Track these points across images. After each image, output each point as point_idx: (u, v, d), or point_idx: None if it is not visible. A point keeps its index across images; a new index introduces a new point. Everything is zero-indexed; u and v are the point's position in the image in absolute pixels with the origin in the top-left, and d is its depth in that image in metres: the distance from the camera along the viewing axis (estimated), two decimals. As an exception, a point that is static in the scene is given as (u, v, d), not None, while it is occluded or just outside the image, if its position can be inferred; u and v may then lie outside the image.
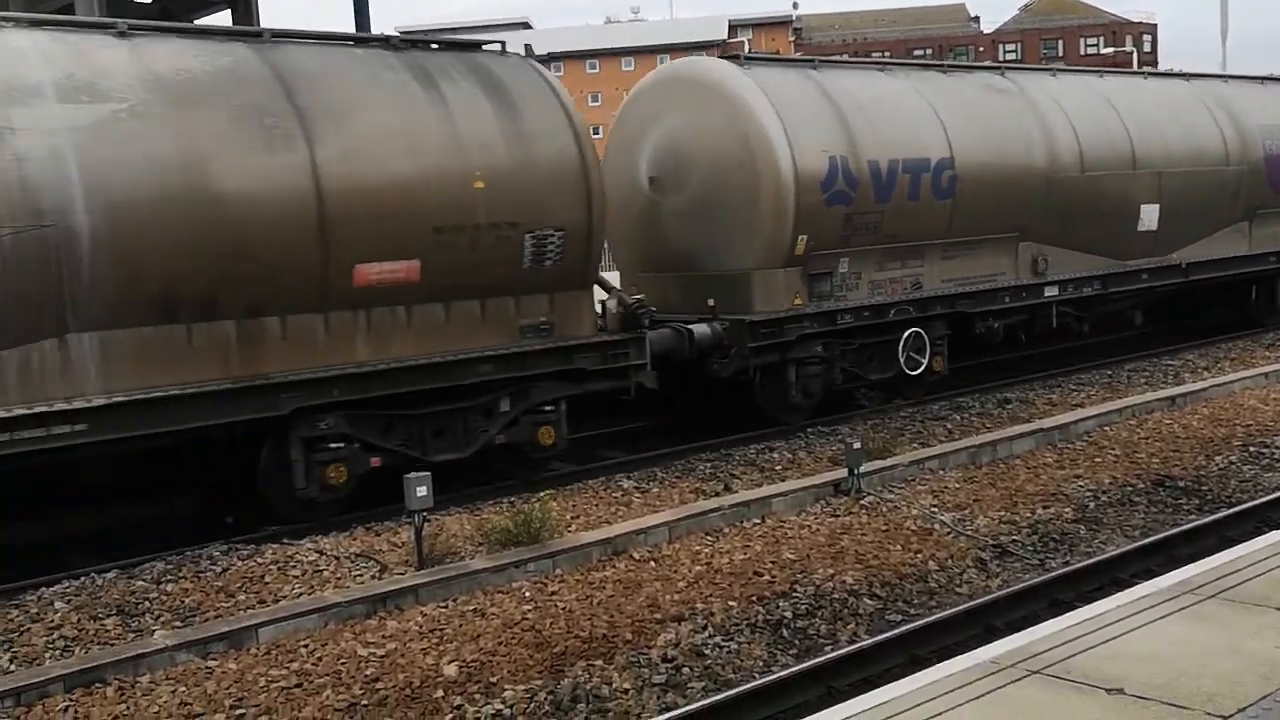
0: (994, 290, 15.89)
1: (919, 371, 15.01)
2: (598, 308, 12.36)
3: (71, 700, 7.35)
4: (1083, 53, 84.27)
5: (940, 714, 5.07)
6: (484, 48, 12.24)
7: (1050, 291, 16.62)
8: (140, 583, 9.16)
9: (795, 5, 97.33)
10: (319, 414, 10.26)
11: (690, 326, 13.22)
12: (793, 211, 13.64)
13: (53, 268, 9.05)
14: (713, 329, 13.32)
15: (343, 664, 7.81)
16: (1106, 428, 13.96)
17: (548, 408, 11.68)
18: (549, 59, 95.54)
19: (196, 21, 17.12)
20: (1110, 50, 71.05)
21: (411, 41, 11.80)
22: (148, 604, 8.78)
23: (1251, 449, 13.03)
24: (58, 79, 9.40)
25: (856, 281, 14.56)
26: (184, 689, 7.48)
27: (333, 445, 10.39)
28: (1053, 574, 9.33)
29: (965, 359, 16.46)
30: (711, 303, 13.56)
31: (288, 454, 10.26)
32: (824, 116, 14.25)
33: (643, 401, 13.08)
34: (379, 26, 18.13)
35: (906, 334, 14.81)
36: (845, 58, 17.71)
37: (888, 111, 14.95)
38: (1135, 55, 63.98)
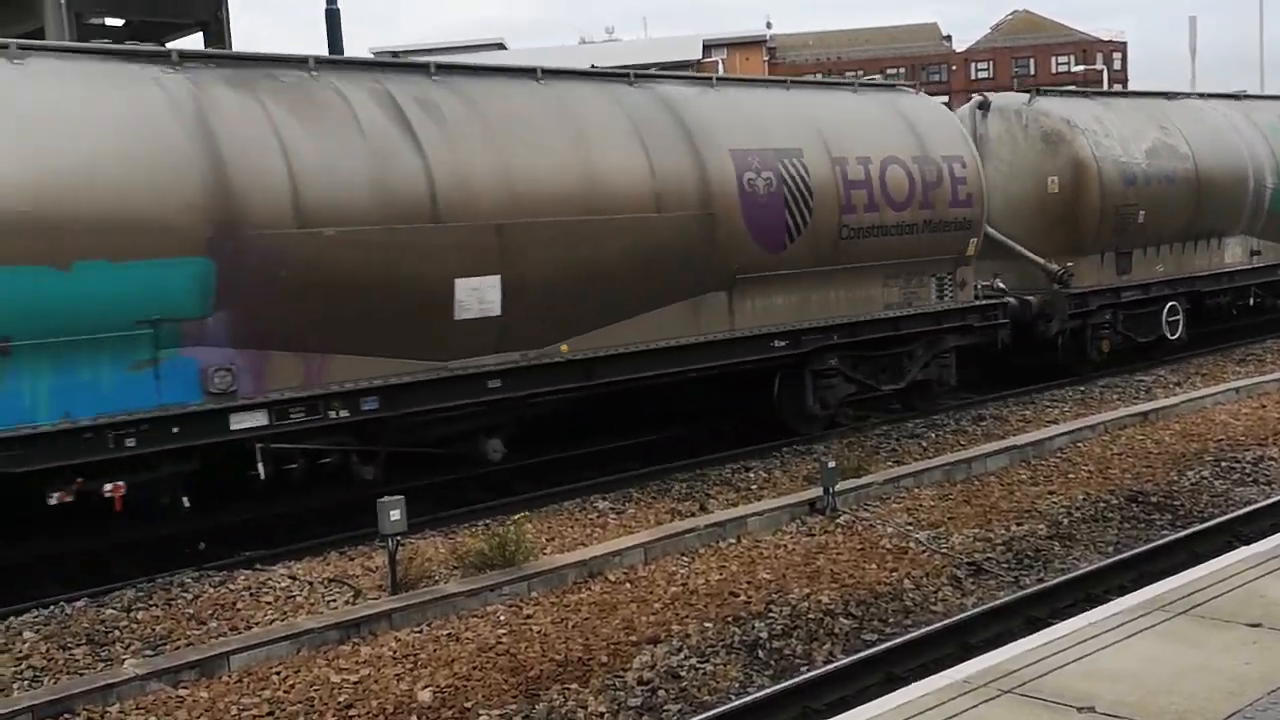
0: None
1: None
2: None
3: (40, 731, 7.26)
4: (1054, 71, 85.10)
5: (913, 735, 5.07)
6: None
7: None
8: (110, 611, 9.07)
9: (769, 25, 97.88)
10: None
11: None
12: None
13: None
14: None
15: (315, 691, 7.75)
16: (1079, 444, 14.03)
17: None
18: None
19: (169, 44, 17.08)
20: (1081, 68, 71.83)
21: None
22: (118, 633, 8.70)
23: (1223, 464, 13.12)
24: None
25: None
26: (154, 719, 7.41)
27: None
28: (1027, 591, 9.35)
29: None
30: None
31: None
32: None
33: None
34: (352, 48, 18.12)
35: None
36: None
37: None
38: (1105, 73, 64.64)
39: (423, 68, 11.78)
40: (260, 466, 10.19)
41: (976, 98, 18.69)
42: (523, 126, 11.69)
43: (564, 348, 11.87)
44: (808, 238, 13.66)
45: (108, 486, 9.48)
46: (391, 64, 12.70)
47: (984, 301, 16.00)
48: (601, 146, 12.16)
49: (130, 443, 9.46)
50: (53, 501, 9.31)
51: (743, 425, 14.54)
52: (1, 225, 8.81)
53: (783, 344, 13.62)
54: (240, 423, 9.97)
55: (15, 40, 9.52)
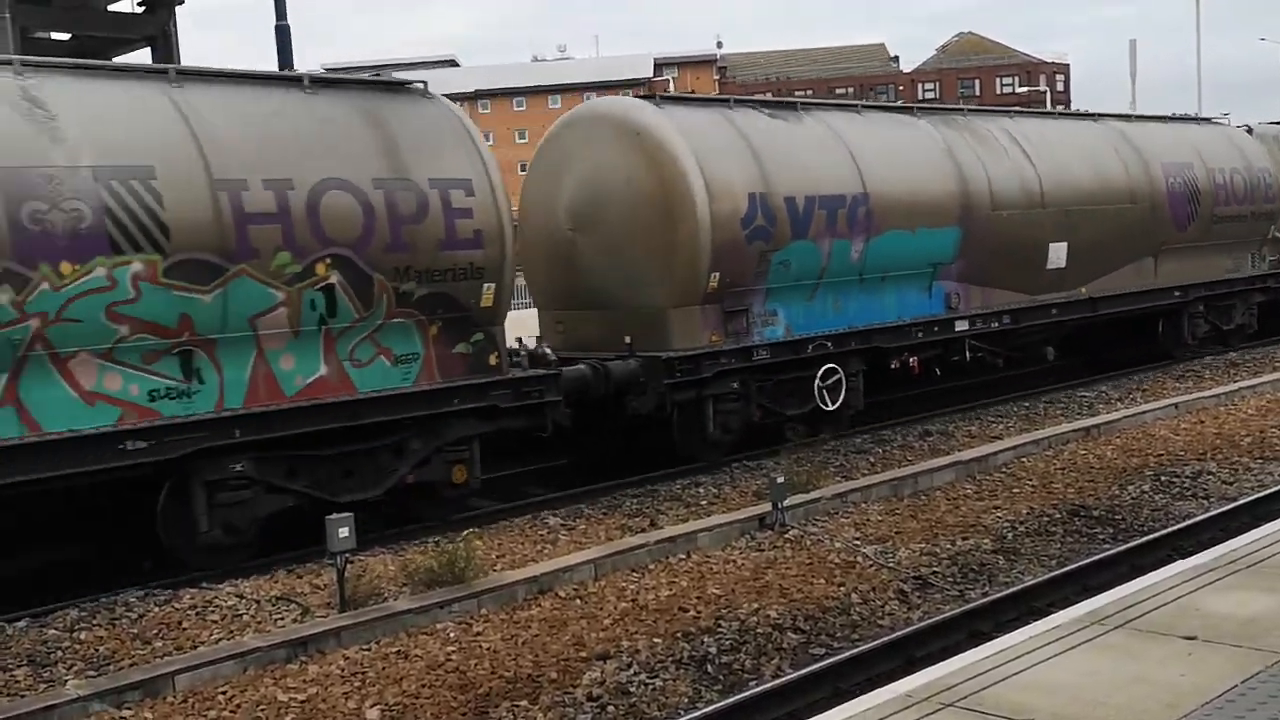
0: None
1: None
2: None
3: (-21, 754, 7.15)
4: (999, 91, 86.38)
5: (858, 748, 5.13)
6: None
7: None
8: (52, 631, 8.95)
9: (719, 45, 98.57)
10: None
11: None
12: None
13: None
14: None
15: (262, 710, 7.69)
16: (1024, 459, 14.24)
17: None
18: (476, 96, 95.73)
19: (115, 59, 16.89)
20: (1025, 90, 72.94)
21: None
22: (60, 653, 8.58)
23: (1163, 478, 13.36)
24: None
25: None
26: (97, 740, 7.32)
27: None
28: (971, 605, 9.48)
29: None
30: None
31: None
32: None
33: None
34: (302, 65, 18.07)
35: None
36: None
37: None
38: (1049, 94, 65.73)
39: (1006, 113, 19.70)
40: (966, 354, 17.01)
41: (1242, 125, 24.94)
42: (1065, 146, 19.05)
43: (1083, 290, 18.85)
44: (1197, 222, 20.99)
45: (912, 360, 16.22)
46: (993, 110, 20.39)
47: (1275, 270, 22.97)
48: (1101, 159, 19.59)
49: (920, 334, 16.25)
50: (892, 367, 16.07)
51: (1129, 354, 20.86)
52: (891, 210, 15.67)
53: (1178, 294, 20.61)
54: (959, 326, 16.83)
55: (862, 103, 17.63)
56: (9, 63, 9.82)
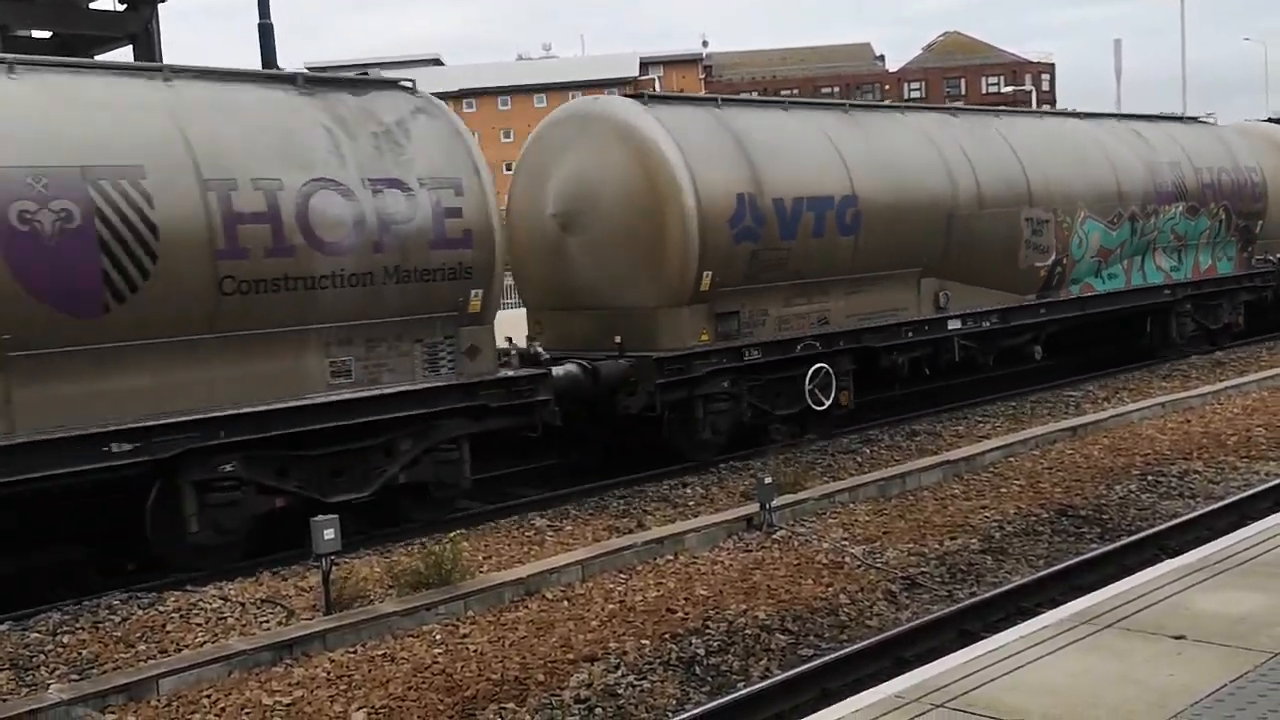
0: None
1: None
2: None
3: (-40, 760, 7.08)
4: (984, 91, 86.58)
5: (847, 750, 5.10)
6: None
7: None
8: (35, 635, 8.87)
9: (705, 44, 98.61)
10: None
11: None
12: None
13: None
14: None
15: (248, 714, 7.63)
16: (1011, 458, 14.25)
17: None
18: (461, 95, 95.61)
19: (98, 56, 16.77)
20: (1010, 89, 73.14)
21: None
22: (43, 657, 8.51)
23: (1149, 477, 13.39)
24: None
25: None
26: (80, 745, 7.25)
27: None
28: (960, 605, 9.46)
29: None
30: None
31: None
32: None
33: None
34: (285, 62, 18.03)
35: None
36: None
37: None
38: (1034, 94, 65.93)
39: None
40: None
41: None
42: None
43: None
44: None
45: None
46: None
47: None
48: None
49: None
50: None
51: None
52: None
53: None
54: None
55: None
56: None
